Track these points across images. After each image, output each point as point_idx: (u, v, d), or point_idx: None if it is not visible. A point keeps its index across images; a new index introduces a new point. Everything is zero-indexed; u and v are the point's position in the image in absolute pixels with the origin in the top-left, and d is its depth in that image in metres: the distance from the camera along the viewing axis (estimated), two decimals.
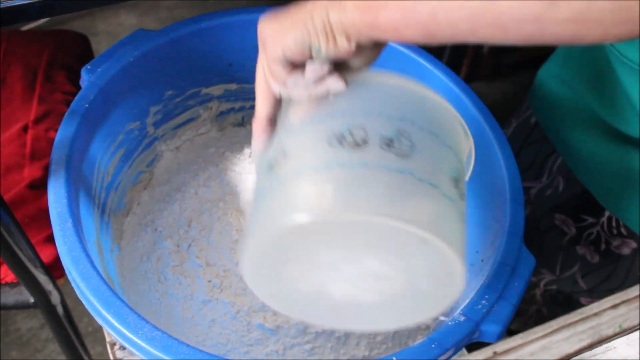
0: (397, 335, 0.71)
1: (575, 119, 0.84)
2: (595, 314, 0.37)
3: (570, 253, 0.92)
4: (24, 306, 0.91)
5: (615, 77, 0.76)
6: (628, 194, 0.80)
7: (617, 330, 0.36)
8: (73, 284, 0.58)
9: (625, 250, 0.86)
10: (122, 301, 0.55)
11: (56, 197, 0.61)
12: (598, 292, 0.91)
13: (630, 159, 0.79)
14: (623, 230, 0.84)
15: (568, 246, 0.92)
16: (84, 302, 0.57)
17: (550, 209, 0.91)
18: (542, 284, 0.98)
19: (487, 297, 0.59)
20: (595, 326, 0.36)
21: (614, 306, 0.37)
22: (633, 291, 0.37)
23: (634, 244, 0.85)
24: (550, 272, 0.95)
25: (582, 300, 0.95)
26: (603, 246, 0.88)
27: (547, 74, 0.89)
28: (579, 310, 0.37)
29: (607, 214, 0.85)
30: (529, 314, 1.08)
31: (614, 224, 0.85)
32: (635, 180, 0.79)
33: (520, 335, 0.36)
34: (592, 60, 0.79)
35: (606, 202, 0.83)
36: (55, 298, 0.88)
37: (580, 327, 0.36)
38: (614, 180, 0.81)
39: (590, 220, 0.86)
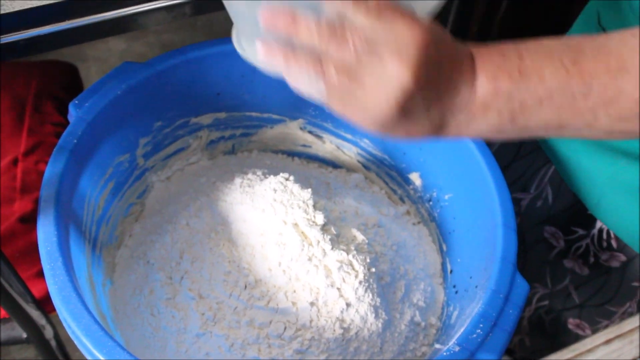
0: None
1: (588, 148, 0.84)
2: (589, 350, 0.36)
3: (558, 267, 0.92)
4: (16, 342, 0.91)
5: None
6: (618, 204, 0.80)
7: None
8: (64, 324, 0.58)
9: (615, 264, 0.86)
10: (114, 341, 0.55)
11: (46, 235, 0.61)
12: (588, 309, 0.91)
13: (619, 168, 0.79)
14: (613, 243, 0.84)
15: (555, 260, 0.92)
16: (75, 342, 0.57)
17: (540, 222, 0.91)
18: (534, 299, 0.98)
19: (481, 325, 0.59)
20: None
21: (608, 341, 0.37)
22: (627, 325, 0.37)
23: (623, 257, 0.85)
24: (543, 286, 0.95)
25: (570, 322, 0.94)
26: (592, 259, 0.88)
27: None
28: (572, 347, 0.37)
29: (598, 225, 0.85)
30: (510, 347, 1.07)
31: (604, 236, 0.85)
32: (625, 189, 0.79)
33: None
34: None
35: (597, 212, 0.83)
36: (48, 333, 0.88)
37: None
38: (604, 189, 0.81)
39: (581, 232, 0.86)
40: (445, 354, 0.57)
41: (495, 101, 0.45)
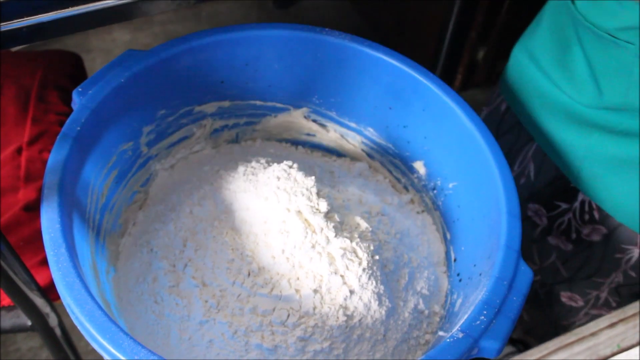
0: (397, 352, 0.71)
1: (542, 99, 0.85)
2: (593, 334, 0.36)
3: (544, 245, 0.94)
4: (21, 329, 0.91)
5: (578, 47, 0.78)
6: (596, 174, 0.81)
7: (615, 349, 0.36)
8: (68, 310, 0.58)
9: (596, 237, 0.87)
10: (118, 326, 0.55)
11: (49, 222, 0.61)
12: (577, 281, 0.92)
13: (593, 141, 0.80)
14: (595, 215, 0.86)
15: (540, 238, 0.94)
16: (79, 328, 0.57)
17: (524, 199, 0.92)
18: None
19: (485, 312, 0.59)
20: (593, 346, 0.36)
21: (611, 325, 0.37)
22: (630, 309, 0.37)
23: (604, 230, 0.86)
24: (532, 263, 0.97)
25: (562, 295, 0.95)
26: (574, 235, 0.90)
27: (519, 49, 0.91)
28: (575, 331, 0.36)
29: (580, 198, 0.86)
30: (514, 337, 1.08)
31: (586, 208, 0.86)
32: (601, 161, 0.80)
33: (518, 357, 0.36)
34: (559, 30, 0.80)
35: (578, 184, 0.85)
36: (53, 320, 0.88)
37: (577, 348, 0.36)
38: (582, 161, 0.82)
39: (564, 206, 0.87)
40: (449, 340, 0.57)
41: None
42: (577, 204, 0.87)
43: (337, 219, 0.72)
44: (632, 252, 0.85)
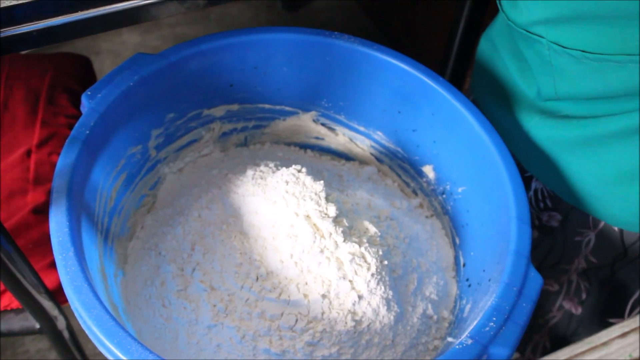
0: (406, 357, 0.70)
1: (499, 89, 0.86)
2: (604, 344, 0.36)
3: None
4: (29, 332, 0.91)
5: (516, 43, 0.80)
6: (545, 161, 0.82)
7: (627, 359, 0.36)
8: (76, 314, 0.58)
9: (554, 223, 0.88)
10: (125, 331, 0.55)
11: (58, 226, 0.61)
12: (546, 270, 0.93)
13: (534, 124, 0.81)
14: (548, 202, 0.86)
15: None
16: (87, 332, 0.57)
17: None
18: None
19: (494, 319, 0.58)
20: (604, 356, 0.35)
21: (623, 335, 0.36)
22: None
23: (559, 216, 0.87)
24: None
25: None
26: (536, 222, 0.90)
27: (485, 39, 0.91)
28: (586, 340, 0.36)
29: (533, 186, 0.87)
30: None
31: (539, 196, 0.87)
32: (545, 143, 0.81)
33: None
34: (522, 38, 0.81)
35: (530, 169, 0.86)
36: (61, 323, 0.88)
37: (588, 358, 0.35)
38: (528, 146, 0.83)
39: None
40: (458, 347, 0.56)
41: None
42: (531, 193, 0.88)
43: (346, 224, 0.71)
44: (589, 236, 0.85)
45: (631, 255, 0.84)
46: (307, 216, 0.70)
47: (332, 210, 0.71)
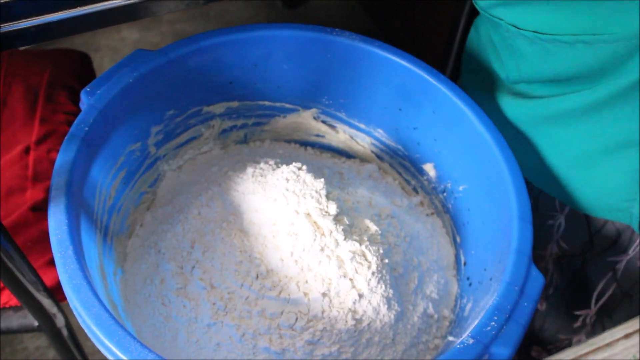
0: (406, 356, 0.70)
1: (480, 74, 0.86)
2: (608, 345, 0.35)
3: None
4: (28, 330, 0.90)
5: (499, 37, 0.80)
6: (515, 143, 0.80)
7: None
8: (75, 313, 0.58)
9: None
10: (125, 330, 0.54)
11: (57, 224, 0.60)
12: None
13: (511, 109, 0.81)
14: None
15: None
16: (86, 331, 0.57)
17: None
18: None
19: (496, 318, 0.58)
20: (609, 357, 0.35)
21: (627, 335, 0.36)
22: None
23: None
24: None
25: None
26: None
27: (472, 28, 0.91)
28: (590, 341, 0.36)
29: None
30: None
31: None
32: (519, 129, 0.81)
33: None
34: (489, 22, 0.82)
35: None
36: (60, 321, 0.88)
37: (592, 358, 0.35)
38: (505, 131, 0.82)
39: None
40: (459, 346, 0.56)
41: None
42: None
43: (347, 222, 0.71)
44: (559, 219, 0.85)
45: (597, 246, 0.84)
46: (308, 214, 0.70)
47: (332, 208, 0.70)
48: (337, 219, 0.70)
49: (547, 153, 0.80)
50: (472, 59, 0.89)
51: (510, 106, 0.81)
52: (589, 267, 0.87)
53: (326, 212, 0.70)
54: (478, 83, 0.87)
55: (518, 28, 0.72)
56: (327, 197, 0.72)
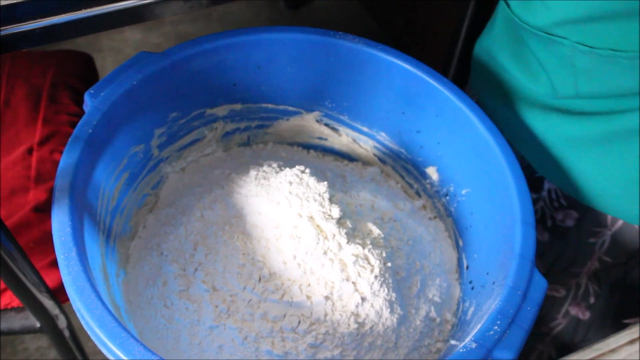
0: (408, 359, 0.70)
1: (501, 91, 0.86)
2: (612, 351, 0.35)
3: None
4: (30, 331, 0.91)
5: (525, 45, 0.79)
6: (559, 160, 0.81)
7: None
8: (78, 314, 0.58)
9: (569, 223, 0.87)
10: (127, 332, 0.54)
11: (60, 225, 0.60)
12: (555, 274, 0.92)
13: (550, 124, 0.80)
14: (563, 202, 0.86)
15: None
16: (89, 333, 0.57)
17: None
18: None
19: (499, 322, 0.58)
20: None
21: (631, 342, 0.36)
22: None
23: (575, 214, 0.86)
24: None
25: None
26: (549, 222, 0.89)
27: (479, 48, 0.91)
28: (595, 347, 0.36)
29: (546, 186, 0.86)
30: None
31: (553, 195, 0.86)
32: (561, 143, 0.80)
33: None
34: (509, 29, 0.81)
35: (543, 171, 0.85)
36: (62, 322, 0.88)
37: None
38: (545, 149, 0.82)
39: (534, 196, 0.87)
40: (461, 350, 0.56)
41: None
42: (544, 193, 0.87)
43: (350, 225, 0.71)
44: (605, 236, 0.84)
45: None
46: (311, 217, 0.70)
47: (335, 211, 0.70)
48: (340, 222, 0.70)
49: (600, 169, 0.78)
50: (488, 78, 0.88)
51: (553, 123, 0.80)
52: (632, 275, 0.87)
53: (329, 215, 0.70)
54: (502, 101, 0.86)
55: (589, 47, 0.71)
56: (330, 200, 0.72)
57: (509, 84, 0.84)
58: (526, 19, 0.76)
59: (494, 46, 0.86)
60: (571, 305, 0.92)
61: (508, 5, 0.80)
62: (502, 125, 0.85)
